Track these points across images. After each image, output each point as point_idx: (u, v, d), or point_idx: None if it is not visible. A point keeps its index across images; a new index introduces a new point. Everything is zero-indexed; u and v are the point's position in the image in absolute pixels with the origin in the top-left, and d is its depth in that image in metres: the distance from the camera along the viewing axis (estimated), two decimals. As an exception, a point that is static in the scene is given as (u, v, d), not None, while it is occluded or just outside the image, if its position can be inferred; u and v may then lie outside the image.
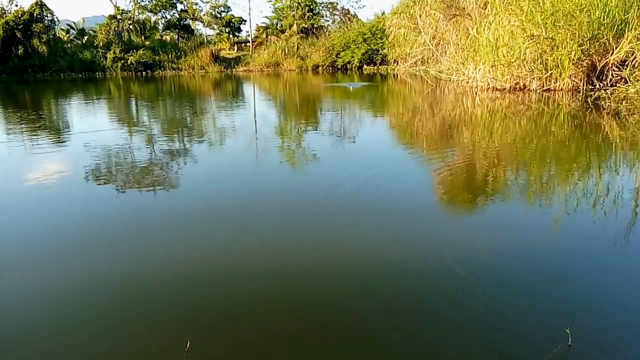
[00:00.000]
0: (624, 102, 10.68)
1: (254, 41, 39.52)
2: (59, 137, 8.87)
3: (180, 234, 3.73)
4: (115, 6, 35.28)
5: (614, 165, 5.80)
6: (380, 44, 30.37)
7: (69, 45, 35.12)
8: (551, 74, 12.81)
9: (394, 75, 25.92)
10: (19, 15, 31.26)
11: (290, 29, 36.50)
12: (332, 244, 3.50)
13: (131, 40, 34.95)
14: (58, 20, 34.60)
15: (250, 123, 10.68)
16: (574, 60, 12.29)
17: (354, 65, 32.44)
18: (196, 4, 38.35)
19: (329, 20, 38.93)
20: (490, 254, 3.28)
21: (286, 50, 34.95)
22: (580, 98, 11.64)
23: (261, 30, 41.01)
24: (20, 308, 2.70)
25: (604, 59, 12.50)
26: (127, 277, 3.02)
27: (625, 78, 12.17)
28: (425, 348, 2.28)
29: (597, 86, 12.55)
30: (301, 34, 35.75)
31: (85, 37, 36.41)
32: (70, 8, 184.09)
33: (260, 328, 2.45)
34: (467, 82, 15.26)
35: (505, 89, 13.74)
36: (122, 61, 32.42)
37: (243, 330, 2.44)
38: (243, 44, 41.46)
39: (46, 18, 32.59)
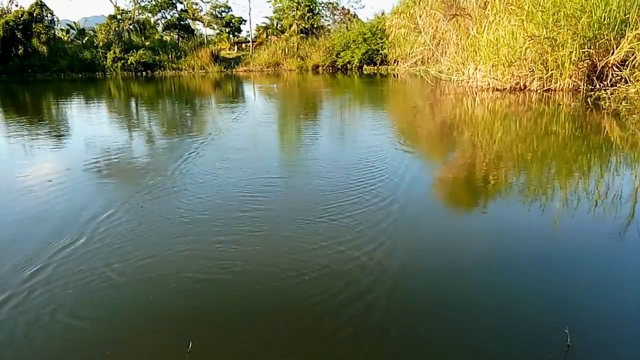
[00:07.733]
0: (624, 102, 10.67)
1: (254, 41, 39.51)
2: (60, 140, 8.87)
3: (181, 234, 3.73)
4: (115, 6, 35.33)
5: (614, 166, 5.81)
6: (381, 44, 30.38)
7: (69, 45, 35.10)
8: (551, 74, 12.80)
9: (394, 75, 25.90)
10: (19, 15, 31.25)
11: (290, 28, 36.50)
12: (332, 243, 3.50)
13: (131, 40, 34.96)
14: (58, 20, 34.62)
15: (250, 124, 10.67)
16: (574, 60, 12.29)
17: (354, 65, 32.45)
18: (196, 4, 38.36)
19: (329, 20, 38.95)
20: (490, 253, 3.28)
21: (286, 50, 34.96)
22: (580, 98, 11.63)
23: (261, 30, 41.01)
24: (21, 306, 2.70)
25: (604, 59, 12.49)
26: (128, 276, 3.02)
27: (625, 78, 12.16)
28: (424, 347, 2.28)
29: (597, 86, 12.53)
30: (301, 34, 35.75)
31: (86, 37, 36.39)
32: (70, 8, 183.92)
33: (262, 328, 2.45)
34: (467, 82, 15.24)
35: (505, 89, 13.72)
36: (122, 61, 32.41)
37: (245, 330, 2.44)
38: (243, 44, 41.46)
39: (46, 18, 32.58)
